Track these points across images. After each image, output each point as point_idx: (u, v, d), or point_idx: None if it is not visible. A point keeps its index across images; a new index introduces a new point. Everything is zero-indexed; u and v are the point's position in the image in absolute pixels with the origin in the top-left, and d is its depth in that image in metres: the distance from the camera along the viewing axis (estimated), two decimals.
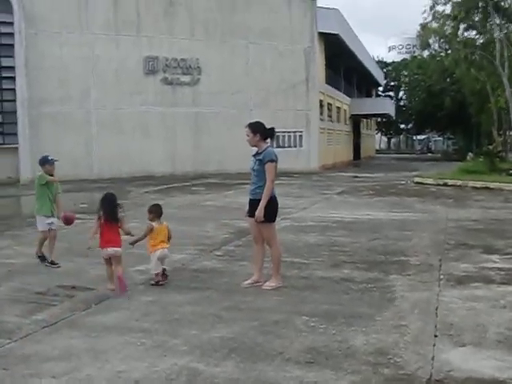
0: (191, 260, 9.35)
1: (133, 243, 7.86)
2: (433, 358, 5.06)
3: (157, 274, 7.73)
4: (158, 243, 7.75)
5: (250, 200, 7.52)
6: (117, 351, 5.33)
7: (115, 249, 7.58)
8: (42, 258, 9.23)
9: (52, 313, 6.55)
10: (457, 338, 5.57)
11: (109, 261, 7.65)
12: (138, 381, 4.70)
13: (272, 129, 7.63)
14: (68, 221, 9.29)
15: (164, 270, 7.84)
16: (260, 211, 7.28)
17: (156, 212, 7.94)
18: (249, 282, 7.60)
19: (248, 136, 7.53)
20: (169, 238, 7.95)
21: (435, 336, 5.62)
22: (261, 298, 7.03)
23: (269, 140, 7.63)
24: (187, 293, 7.29)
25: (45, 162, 9.43)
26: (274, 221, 7.57)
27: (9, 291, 7.56)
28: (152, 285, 7.70)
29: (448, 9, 40.28)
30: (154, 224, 7.82)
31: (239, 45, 34.58)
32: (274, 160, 7.38)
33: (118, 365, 5.01)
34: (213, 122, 33.80)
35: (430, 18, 41.52)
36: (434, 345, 5.39)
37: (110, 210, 7.70)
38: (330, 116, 43.86)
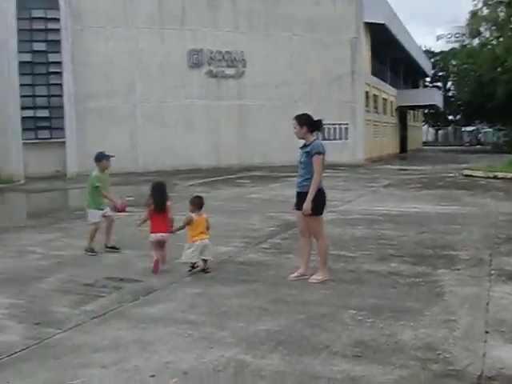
0: (237, 252, 9.36)
1: (174, 231, 8.30)
2: (484, 355, 4.96)
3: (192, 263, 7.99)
4: (197, 234, 7.93)
5: (298, 193, 7.49)
6: (164, 342, 5.37)
7: (163, 234, 8.22)
8: (92, 250, 9.40)
9: (100, 304, 6.63)
10: (509, 335, 5.44)
11: (156, 245, 8.22)
12: (186, 372, 4.73)
13: (319, 121, 7.58)
14: (119, 211, 9.84)
15: (205, 260, 7.98)
16: (307, 204, 7.24)
17: (197, 204, 8.15)
18: (295, 274, 7.58)
19: (295, 128, 7.51)
20: (207, 229, 8.13)
21: (486, 332, 5.51)
22: (307, 291, 7.00)
23: (316, 132, 7.59)
24: (234, 285, 7.30)
25: (102, 157, 9.79)
26: (321, 214, 7.53)
27: (58, 282, 7.68)
28: (189, 271, 7.94)
29: None
30: (193, 215, 8.02)
31: (283, 37, 34.44)
32: (321, 152, 7.33)
33: (165, 356, 5.05)
34: (257, 115, 33.79)
35: (480, 5, 40.54)
36: (485, 341, 5.28)
37: (159, 199, 8.34)
38: (375, 108, 43.46)
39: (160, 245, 8.25)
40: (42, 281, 7.74)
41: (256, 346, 5.22)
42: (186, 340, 5.42)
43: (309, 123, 7.51)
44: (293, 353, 5.06)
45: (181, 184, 22.04)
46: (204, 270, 7.96)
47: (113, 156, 9.94)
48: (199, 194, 8.70)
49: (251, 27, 33.84)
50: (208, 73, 33.00)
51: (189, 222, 8.01)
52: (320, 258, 7.59)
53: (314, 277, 7.46)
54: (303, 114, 7.65)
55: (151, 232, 8.29)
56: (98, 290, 7.23)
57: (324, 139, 34.17)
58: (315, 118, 7.59)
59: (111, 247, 9.61)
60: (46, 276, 7.98)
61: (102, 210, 9.70)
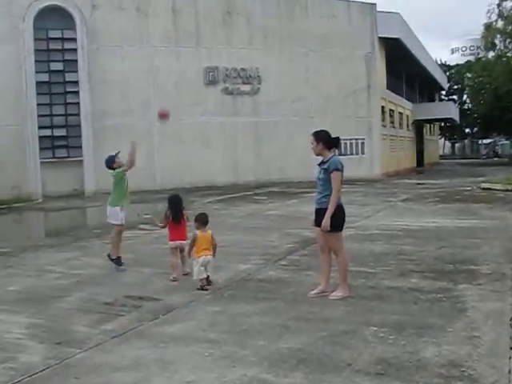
0: (257, 270, 9.33)
1: (189, 254, 8.55)
2: (510, 372, 4.89)
3: (201, 280, 8.08)
4: (201, 250, 8.14)
5: (316, 209, 7.46)
6: (185, 362, 5.34)
7: (182, 242, 8.99)
8: (118, 260, 9.38)
9: (120, 323, 6.64)
10: None
11: (174, 251, 8.91)
12: None
13: (336, 138, 7.55)
14: (163, 116, 10.37)
15: (208, 276, 8.13)
16: (326, 221, 7.22)
17: (201, 221, 8.42)
18: (315, 291, 7.54)
19: (312, 144, 7.50)
20: (214, 247, 8.31)
21: (511, 348, 5.43)
22: (328, 308, 6.95)
23: (333, 149, 7.57)
24: (254, 303, 7.28)
25: (114, 158, 10.04)
26: (340, 230, 7.50)
27: (78, 301, 7.70)
28: (198, 289, 8.02)
29: None
30: (197, 232, 8.25)
31: (298, 52, 34.55)
32: (339, 169, 7.31)
33: (186, 375, 5.03)
34: (273, 131, 33.85)
35: (494, 17, 40.52)
36: (509, 357, 5.20)
37: (175, 211, 9.06)
38: (392, 122, 43.40)
39: (178, 251, 8.99)
40: (62, 300, 7.77)
41: (278, 365, 5.17)
42: (207, 359, 5.39)
43: (326, 140, 7.49)
44: (315, 371, 5.01)
45: (198, 201, 22.09)
46: (204, 287, 8.07)
47: (119, 152, 10.25)
48: (203, 211, 9.05)
49: (266, 44, 33.99)
50: (224, 90, 33.15)
51: (194, 239, 8.26)
52: (340, 274, 7.55)
53: (334, 293, 7.42)
54: (321, 131, 7.64)
55: (170, 240, 9.05)
56: (118, 309, 7.24)
57: (341, 154, 34.07)
58: (333, 135, 7.57)
59: (114, 258, 9.63)
60: (66, 295, 8.01)
61: (124, 209, 9.77)
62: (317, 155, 7.58)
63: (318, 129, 7.77)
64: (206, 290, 7.98)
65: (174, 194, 9.37)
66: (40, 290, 8.39)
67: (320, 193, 7.43)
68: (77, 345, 5.91)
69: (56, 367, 5.33)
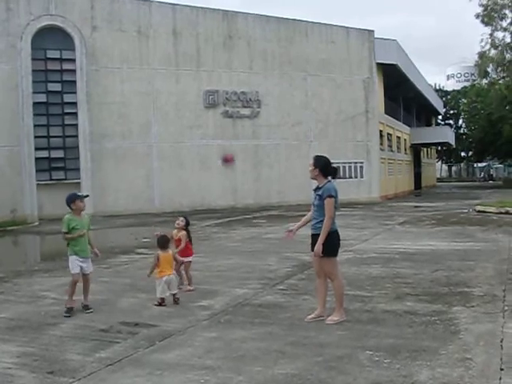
0: (254, 295, 9.35)
1: (149, 274, 8.98)
2: None
3: (162, 299, 8.63)
4: (163, 270, 8.68)
5: (312, 235, 7.56)
6: None
7: (189, 258, 9.77)
8: (69, 310, 8.38)
9: (115, 350, 6.54)
10: None
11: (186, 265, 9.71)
12: None
13: (334, 168, 7.68)
14: (227, 161, 9.99)
15: (175, 293, 8.73)
16: (318, 246, 7.34)
17: (161, 242, 8.97)
18: (312, 316, 7.61)
19: (310, 167, 7.64)
20: (177, 263, 9.33)
21: (501, 369, 5.52)
22: (324, 332, 7.01)
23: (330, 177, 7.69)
24: (250, 328, 7.30)
25: (75, 198, 8.64)
26: (334, 255, 7.59)
27: (72, 329, 7.57)
28: (155, 305, 8.57)
29: (507, 36, 39.95)
30: (159, 253, 8.82)
31: (298, 77, 34.91)
32: (332, 195, 7.41)
33: None
34: (273, 154, 34.07)
35: (488, 47, 41.27)
36: (500, 378, 5.30)
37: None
38: (390, 146, 43.67)
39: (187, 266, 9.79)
40: (55, 327, 7.64)
41: None
42: None
43: (321, 166, 7.59)
44: None
45: (197, 224, 22.09)
46: (175, 302, 8.68)
47: (86, 196, 9.06)
48: (163, 233, 9.39)
49: (266, 67, 34.35)
50: (224, 113, 33.41)
51: (157, 259, 8.78)
52: (336, 298, 7.64)
53: (330, 318, 7.49)
54: (322, 157, 7.74)
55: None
56: (113, 336, 7.14)
57: (339, 178, 34.40)
58: (333, 165, 7.70)
59: (83, 307, 8.56)
60: (60, 322, 7.88)
61: (83, 258, 8.59)
62: (312, 178, 7.73)
63: (321, 154, 7.91)
64: (165, 305, 8.53)
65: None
66: (32, 317, 8.19)
67: (315, 218, 7.54)
68: (70, 374, 5.79)
69: None
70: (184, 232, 9.77)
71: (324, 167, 7.59)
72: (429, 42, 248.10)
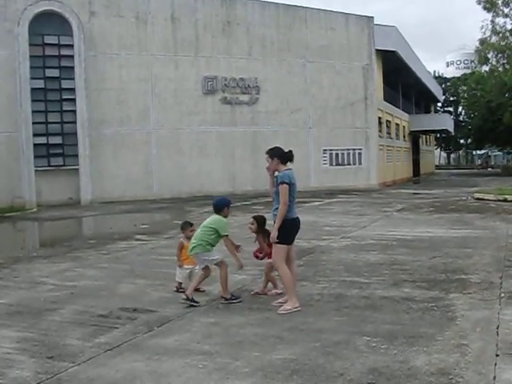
0: (252, 281, 9.39)
1: (181, 265, 8.74)
2: (494, 378, 5.03)
3: (180, 283, 8.61)
4: (187, 258, 8.53)
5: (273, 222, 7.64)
6: (179, 374, 5.34)
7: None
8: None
9: (114, 336, 6.58)
10: None
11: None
12: None
13: (289, 152, 7.71)
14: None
15: (180, 283, 8.61)
16: (273, 233, 7.46)
17: (186, 229, 8.89)
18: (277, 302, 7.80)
19: (267, 162, 7.71)
20: None
21: (496, 355, 5.57)
22: (322, 318, 7.04)
23: (289, 163, 7.73)
24: (248, 314, 7.34)
25: (227, 204, 8.39)
26: (286, 243, 7.59)
27: (71, 314, 7.61)
28: (174, 291, 8.57)
29: (508, 22, 39.78)
30: (182, 240, 8.78)
31: (297, 63, 34.81)
32: (285, 182, 7.45)
33: None
34: (271, 141, 33.73)
35: (488, 33, 41.08)
36: (495, 364, 5.34)
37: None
38: (388, 133, 43.65)
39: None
40: (55, 313, 7.67)
41: (271, 376, 5.23)
42: (200, 371, 5.40)
43: (278, 155, 7.67)
44: (308, 381, 5.09)
45: (196, 211, 22.11)
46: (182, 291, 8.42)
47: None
48: (189, 220, 9.34)
49: (265, 54, 34.21)
50: (222, 99, 33.30)
51: (182, 247, 8.71)
52: (285, 287, 7.73)
53: (283, 307, 7.46)
54: (275, 147, 7.85)
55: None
56: (112, 321, 7.17)
57: (337, 164, 34.72)
58: (286, 150, 7.73)
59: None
60: (59, 308, 7.91)
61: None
62: (273, 171, 7.74)
63: (272, 146, 7.95)
64: (182, 290, 8.30)
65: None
66: (32, 303, 8.23)
67: (273, 205, 7.68)
68: (69, 359, 5.82)
69: (47, 382, 5.24)
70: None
71: (281, 155, 7.68)
72: (428, 28, 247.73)
